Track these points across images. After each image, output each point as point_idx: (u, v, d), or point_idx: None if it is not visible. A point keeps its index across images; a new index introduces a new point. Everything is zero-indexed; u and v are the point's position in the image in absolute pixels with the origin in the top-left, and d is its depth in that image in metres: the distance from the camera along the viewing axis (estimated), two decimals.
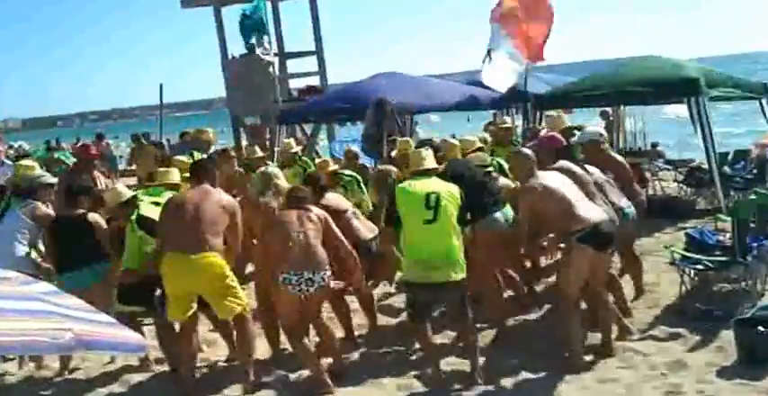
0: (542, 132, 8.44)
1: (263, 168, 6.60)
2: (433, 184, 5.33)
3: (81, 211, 6.17)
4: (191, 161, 7.79)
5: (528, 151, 5.79)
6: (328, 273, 5.32)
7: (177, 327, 5.61)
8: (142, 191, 6.75)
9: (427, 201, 5.14)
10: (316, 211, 5.54)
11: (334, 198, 6.27)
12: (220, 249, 5.34)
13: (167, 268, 5.30)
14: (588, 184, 5.83)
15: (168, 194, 6.13)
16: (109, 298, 5.91)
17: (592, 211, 5.37)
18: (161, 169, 7.38)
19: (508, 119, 11.82)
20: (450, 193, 5.27)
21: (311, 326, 5.60)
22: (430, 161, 5.65)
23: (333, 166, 8.55)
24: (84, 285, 5.66)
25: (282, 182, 6.24)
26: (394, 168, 7.26)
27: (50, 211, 6.71)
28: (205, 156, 9.51)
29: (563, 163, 6.00)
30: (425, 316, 5.39)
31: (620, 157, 7.07)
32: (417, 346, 5.85)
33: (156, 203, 5.92)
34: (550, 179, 5.49)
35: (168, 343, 5.79)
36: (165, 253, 5.34)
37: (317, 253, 5.29)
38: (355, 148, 10.91)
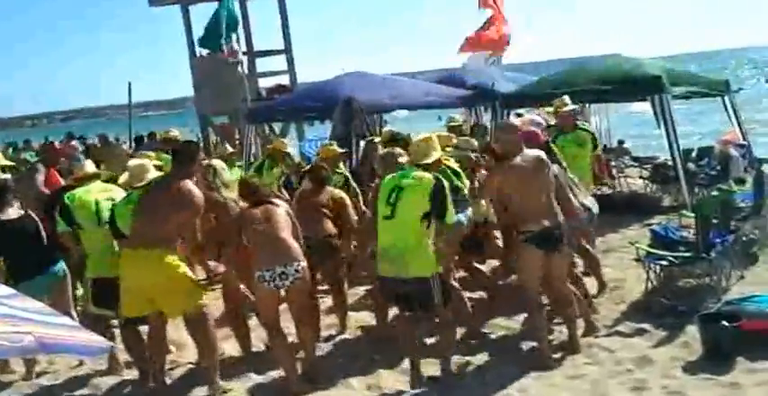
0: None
1: (204, 162, 6.39)
2: (406, 179, 5.11)
3: (18, 212, 5.92)
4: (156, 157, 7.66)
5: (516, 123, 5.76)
6: (302, 264, 5.22)
7: (147, 329, 5.54)
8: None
9: (389, 196, 5.04)
10: (281, 203, 5.52)
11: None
12: (172, 245, 5.16)
13: (121, 264, 5.27)
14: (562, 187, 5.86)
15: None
16: (67, 295, 5.87)
17: (545, 214, 5.33)
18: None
19: (459, 117, 11.69)
20: (422, 186, 5.00)
21: (293, 323, 5.52)
22: (433, 157, 5.43)
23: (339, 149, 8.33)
24: (42, 292, 5.45)
25: (227, 174, 6.17)
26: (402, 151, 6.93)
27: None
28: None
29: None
30: (401, 307, 5.33)
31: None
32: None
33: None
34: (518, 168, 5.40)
35: (133, 344, 5.66)
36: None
37: (286, 246, 5.22)
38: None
